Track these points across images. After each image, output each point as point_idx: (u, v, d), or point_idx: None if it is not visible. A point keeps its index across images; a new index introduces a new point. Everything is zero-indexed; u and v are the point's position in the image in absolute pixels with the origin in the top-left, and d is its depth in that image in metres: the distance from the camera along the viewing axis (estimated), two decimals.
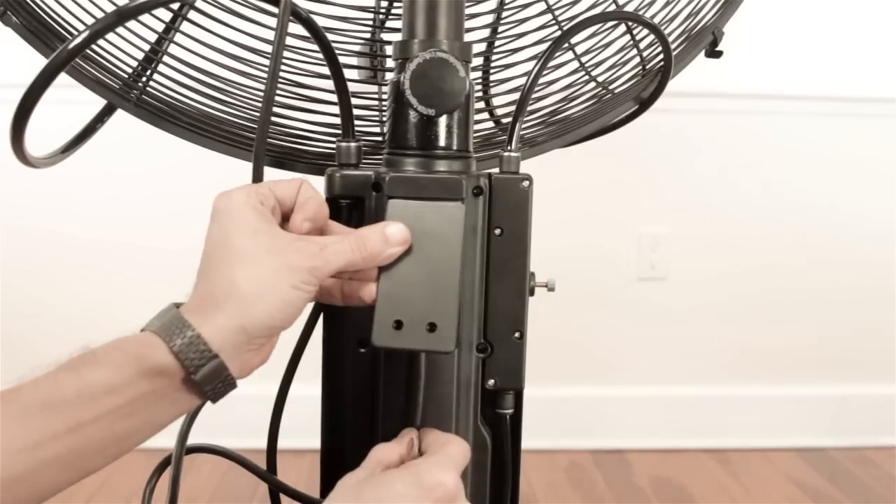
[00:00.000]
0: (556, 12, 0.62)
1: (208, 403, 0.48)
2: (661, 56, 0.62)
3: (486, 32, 0.66)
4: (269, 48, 0.59)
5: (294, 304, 0.46)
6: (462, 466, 0.49)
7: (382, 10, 0.65)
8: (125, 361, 0.43)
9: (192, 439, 0.57)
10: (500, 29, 0.67)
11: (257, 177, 0.50)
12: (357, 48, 0.63)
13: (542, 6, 0.62)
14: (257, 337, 0.46)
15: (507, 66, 0.66)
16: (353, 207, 0.53)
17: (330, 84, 0.54)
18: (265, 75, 0.60)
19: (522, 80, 0.59)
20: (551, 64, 0.60)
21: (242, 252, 0.45)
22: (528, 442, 0.57)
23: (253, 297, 0.44)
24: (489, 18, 0.66)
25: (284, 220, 0.50)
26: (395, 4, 0.64)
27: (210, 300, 0.45)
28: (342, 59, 0.55)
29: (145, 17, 0.55)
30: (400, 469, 0.47)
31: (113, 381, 0.43)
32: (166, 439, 0.53)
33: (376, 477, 0.46)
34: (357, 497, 0.45)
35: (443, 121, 0.52)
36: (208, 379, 0.44)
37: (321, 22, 0.54)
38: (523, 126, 0.59)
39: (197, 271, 0.47)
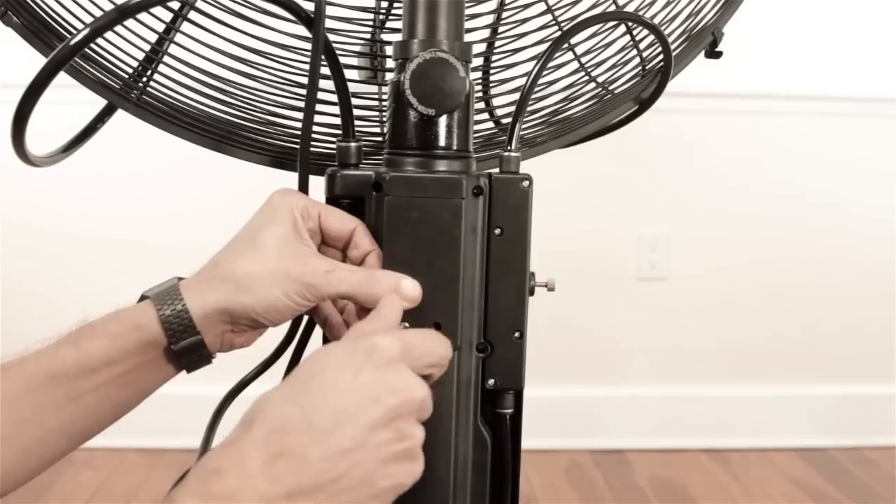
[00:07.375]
0: (556, 12, 0.62)
1: (223, 413, 0.51)
2: (661, 56, 0.62)
3: (486, 32, 0.66)
4: (269, 49, 0.59)
5: (279, 310, 0.47)
6: (394, 324, 0.44)
7: (382, 11, 0.65)
8: (122, 331, 0.46)
9: (193, 438, 0.57)
10: (501, 29, 0.67)
11: (303, 184, 0.53)
12: (357, 48, 0.63)
13: (542, 6, 0.62)
14: (239, 323, 0.48)
15: (507, 67, 0.66)
16: (353, 207, 0.53)
17: (331, 84, 0.54)
18: (266, 76, 0.60)
19: (522, 81, 0.59)
20: (551, 64, 0.60)
21: (259, 246, 0.48)
22: (528, 442, 0.57)
23: (244, 288, 0.46)
24: (489, 18, 0.66)
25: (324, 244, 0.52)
26: (396, 4, 0.64)
27: (209, 278, 0.47)
28: (342, 59, 0.55)
29: (146, 18, 0.55)
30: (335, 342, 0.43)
31: (110, 352, 0.45)
32: (165, 440, 0.53)
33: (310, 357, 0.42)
34: (292, 384, 0.40)
35: (443, 121, 0.53)
36: (185, 351, 0.46)
37: None
38: (523, 126, 0.59)
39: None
